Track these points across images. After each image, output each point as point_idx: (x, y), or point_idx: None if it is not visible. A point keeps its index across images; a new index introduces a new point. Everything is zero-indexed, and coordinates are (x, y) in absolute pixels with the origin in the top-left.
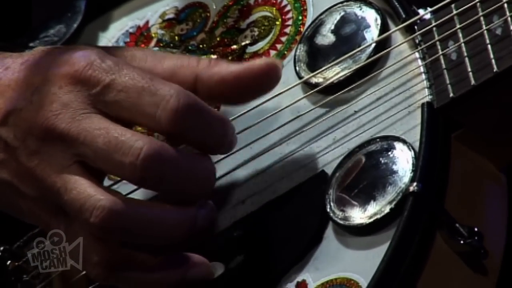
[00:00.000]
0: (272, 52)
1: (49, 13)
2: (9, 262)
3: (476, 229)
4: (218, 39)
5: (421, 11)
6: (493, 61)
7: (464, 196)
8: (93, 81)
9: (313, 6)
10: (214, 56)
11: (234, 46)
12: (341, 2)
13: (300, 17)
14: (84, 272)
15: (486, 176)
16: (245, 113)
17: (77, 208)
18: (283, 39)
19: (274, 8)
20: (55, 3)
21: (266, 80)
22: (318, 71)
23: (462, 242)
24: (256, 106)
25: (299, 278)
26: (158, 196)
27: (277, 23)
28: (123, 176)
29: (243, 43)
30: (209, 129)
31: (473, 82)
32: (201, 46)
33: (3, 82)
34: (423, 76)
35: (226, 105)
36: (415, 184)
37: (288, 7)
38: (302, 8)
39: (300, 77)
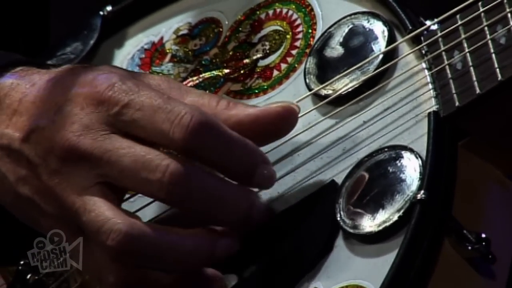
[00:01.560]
0: (283, 66)
1: (66, 32)
2: (29, 275)
3: (483, 235)
4: (230, 53)
5: (428, 23)
6: (497, 70)
7: (471, 203)
8: (113, 101)
9: (322, 20)
10: (226, 70)
11: (246, 60)
12: (350, 15)
13: (310, 31)
14: None
15: (493, 182)
16: None
17: (95, 229)
18: (294, 52)
19: (285, 22)
20: (72, 21)
21: (283, 124)
22: (327, 83)
23: (469, 248)
24: None
25: (311, 287)
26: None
27: (288, 36)
28: (150, 194)
29: (254, 57)
30: (227, 151)
31: (478, 91)
32: (214, 61)
33: (29, 99)
34: (430, 86)
35: None
36: (422, 192)
37: (298, 21)
38: (311, 22)
39: (310, 89)
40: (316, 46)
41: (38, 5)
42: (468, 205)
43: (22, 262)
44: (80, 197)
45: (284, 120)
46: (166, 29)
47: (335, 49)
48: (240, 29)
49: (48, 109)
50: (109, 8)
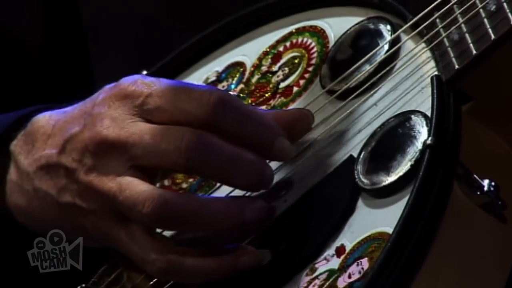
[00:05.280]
0: (302, 82)
1: None
2: None
3: (492, 183)
4: (254, 85)
5: None
6: (489, 30)
7: (478, 160)
8: (137, 93)
9: (334, 38)
10: (251, 100)
11: (269, 86)
12: (356, 24)
13: (324, 49)
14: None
15: (497, 151)
16: None
17: (131, 203)
18: (310, 69)
19: (301, 48)
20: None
21: (298, 126)
22: (339, 78)
23: (479, 193)
24: None
25: (338, 244)
26: None
27: (304, 58)
28: (172, 164)
29: (275, 80)
30: (245, 123)
31: (474, 52)
32: (240, 95)
33: (61, 121)
34: (431, 59)
35: None
36: (430, 138)
37: (313, 44)
38: (324, 41)
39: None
40: (328, 55)
41: (80, 68)
42: (475, 161)
43: None
44: (116, 181)
45: (299, 122)
46: (197, 80)
47: (345, 52)
48: (262, 63)
49: (78, 119)
50: (144, 72)
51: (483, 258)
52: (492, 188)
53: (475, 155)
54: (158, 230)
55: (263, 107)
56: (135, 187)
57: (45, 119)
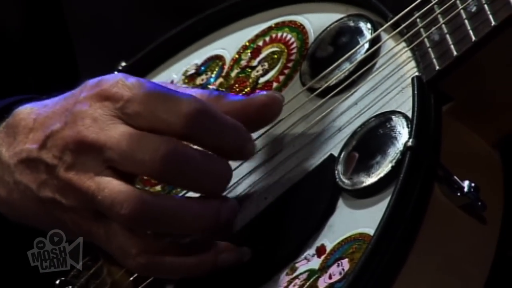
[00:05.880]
0: (281, 77)
1: None
2: None
3: (472, 184)
4: (234, 79)
5: None
6: (470, 32)
7: (458, 161)
8: (117, 97)
9: (313, 34)
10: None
11: (248, 81)
12: (336, 21)
13: (303, 45)
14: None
15: (477, 151)
16: None
17: (109, 203)
18: (290, 64)
19: (281, 43)
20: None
21: (268, 111)
22: (319, 76)
23: (459, 194)
24: None
25: (318, 243)
26: None
27: (284, 53)
28: (146, 173)
29: (254, 75)
30: (222, 133)
31: (455, 53)
32: (219, 89)
33: (43, 115)
34: (411, 59)
35: None
36: (411, 140)
37: (292, 40)
38: (304, 37)
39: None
40: (308, 51)
41: (65, 64)
42: (456, 161)
43: (58, 282)
44: (94, 180)
45: (268, 107)
46: (176, 73)
47: (325, 49)
48: (241, 57)
49: (60, 116)
50: (123, 63)
51: (463, 258)
52: (472, 190)
53: (456, 155)
54: None
55: None
56: (113, 187)
57: (26, 111)
